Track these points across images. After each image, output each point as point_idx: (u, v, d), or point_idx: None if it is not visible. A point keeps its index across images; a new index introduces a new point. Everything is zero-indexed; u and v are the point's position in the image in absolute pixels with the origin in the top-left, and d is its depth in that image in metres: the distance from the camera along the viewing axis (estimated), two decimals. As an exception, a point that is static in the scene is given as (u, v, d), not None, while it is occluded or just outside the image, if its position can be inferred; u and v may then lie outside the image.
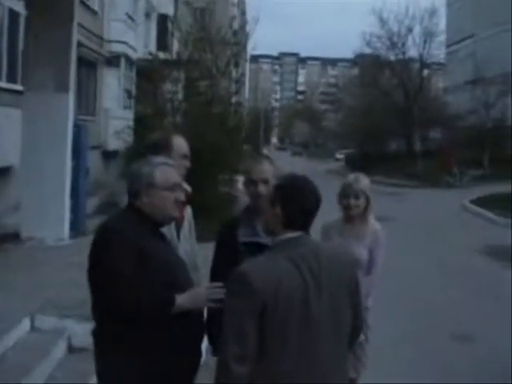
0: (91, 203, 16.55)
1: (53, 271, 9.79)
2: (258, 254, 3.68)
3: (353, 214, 5.64)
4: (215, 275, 4.52)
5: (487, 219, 24.24)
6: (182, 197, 3.96)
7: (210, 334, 4.35)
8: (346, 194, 5.64)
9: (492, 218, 24.06)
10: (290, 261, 3.23)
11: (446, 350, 9.03)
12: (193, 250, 4.98)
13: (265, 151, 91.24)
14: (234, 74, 22.60)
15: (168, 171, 3.93)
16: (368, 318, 5.52)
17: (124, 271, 3.50)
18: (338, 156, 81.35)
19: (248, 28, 23.19)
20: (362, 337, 4.99)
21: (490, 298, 12.01)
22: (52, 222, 12.48)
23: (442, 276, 14.03)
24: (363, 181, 5.69)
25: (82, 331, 7.00)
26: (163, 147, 4.75)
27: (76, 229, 13.35)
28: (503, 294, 12.07)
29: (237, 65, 22.61)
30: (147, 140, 5.16)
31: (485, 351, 8.91)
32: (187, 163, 4.82)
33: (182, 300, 3.61)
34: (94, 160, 18.67)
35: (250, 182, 4.46)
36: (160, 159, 4.08)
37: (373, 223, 5.77)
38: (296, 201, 3.36)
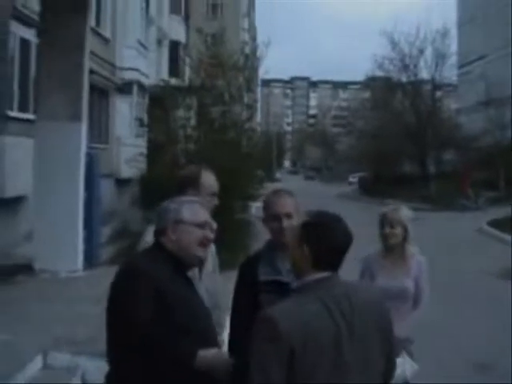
0: (104, 232, 16.38)
1: (66, 305, 9.61)
2: (279, 294, 3.68)
3: (390, 244, 5.63)
4: (236, 316, 4.29)
5: (505, 242, 23.84)
6: (211, 236, 3.74)
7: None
8: (382, 224, 5.64)
9: (509, 240, 23.66)
10: (321, 303, 3.03)
11: (467, 380, 8.74)
12: (215, 287, 4.79)
13: (277, 175, 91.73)
14: (246, 99, 22.42)
15: (197, 208, 3.74)
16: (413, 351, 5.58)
17: (142, 319, 3.28)
18: (351, 180, 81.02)
19: (259, 52, 23.06)
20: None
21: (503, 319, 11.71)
22: (65, 253, 12.34)
23: (462, 302, 13.72)
24: (400, 211, 5.72)
25: (96, 368, 6.79)
26: (191, 183, 4.62)
27: (90, 260, 13.18)
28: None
29: (250, 90, 22.41)
30: (177, 175, 5.00)
31: (507, 381, 8.63)
32: (215, 201, 4.67)
33: (203, 360, 3.35)
34: (106, 188, 18.56)
35: (273, 217, 4.23)
36: (189, 198, 3.94)
37: (415, 254, 5.78)
38: (325, 240, 3.16)
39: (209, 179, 4.70)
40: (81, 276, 12.24)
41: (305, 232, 3.21)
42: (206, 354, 3.36)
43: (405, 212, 5.73)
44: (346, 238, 3.24)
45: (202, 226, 3.65)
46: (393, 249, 5.65)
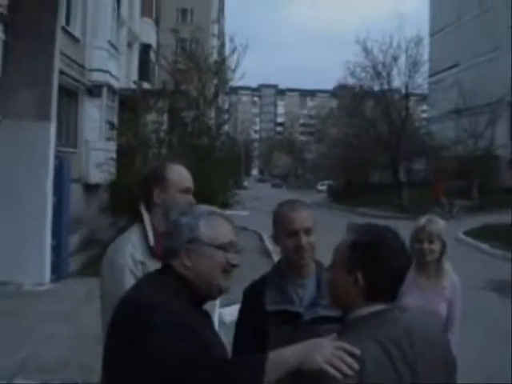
0: (71, 240, 15.59)
1: (32, 323, 8.94)
2: (290, 326, 3.30)
3: (427, 261, 5.00)
4: (238, 352, 3.50)
5: (484, 252, 23.39)
6: (236, 261, 2.82)
7: None
8: (418, 239, 4.96)
9: (489, 250, 23.25)
10: (378, 346, 2.36)
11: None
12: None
13: (245, 183, 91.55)
14: (221, 103, 22.01)
15: (219, 223, 2.83)
16: None
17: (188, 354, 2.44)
18: (320, 187, 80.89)
19: (236, 56, 22.70)
20: None
21: (501, 339, 11.09)
22: (31, 263, 11.70)
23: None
24: (438, 223, 5.08)
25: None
26: (156, 181, 3.78)
27: (58, 271, 12.44)
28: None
29: (225, 93, 22.02)
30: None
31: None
32: (190, 199, 3.80)
33: (279, 356, 2.43)
34: (74, 194, 17.77)
35: (289, 234, 3.51)
36: (208, 208, 2.95)
37: (450, 272, 5.16)
38: (384, 264, 2.48)
39: (177, 172, 3.85)
40: (48, 289, 11.48)
41: (357, 255, 2.51)
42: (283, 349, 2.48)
43: (442, 224, 5.10)
44: (408, 259, 2.60)
45: (224, 247, 2.78)
46: (428, 266, 5.03)
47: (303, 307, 3.45)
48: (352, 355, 2.29)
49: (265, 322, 3.44)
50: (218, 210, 2.94)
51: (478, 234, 27.23)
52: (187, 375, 2.40)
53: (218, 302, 8.64)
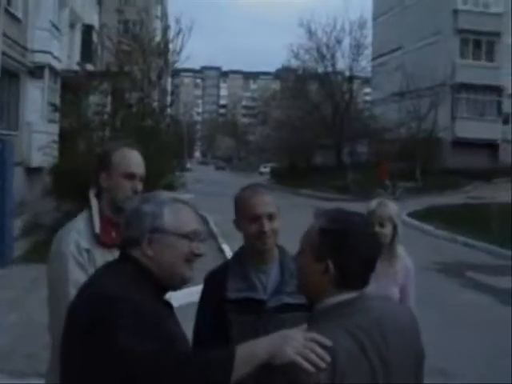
0: (14, 225, 15.26)
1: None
2: (253, 314, 3.25)
3: None
4: (198, 343, 3.37)
5: (429, 233, 23.61)
6: (200, 250, 2.69)
7: None
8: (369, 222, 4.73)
9: (433, 232, 23.49)
10: (349, 336, 2.29)
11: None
12: None
13: (188, 165, 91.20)
14: (166, 85, 21.83)
15: (184, 212, 2.69)
16: None
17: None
18: (263, 170, 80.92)
19: (182, 38, 22.58)
20: None
21: (452, 322, 11.25)
22: None
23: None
24: (389, 206, 4.97)
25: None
26: (103, 164, 3.66)
27: (2, 257, 12.06)
28: (461, 314, 11.72)
29: (172, 75, 21.90)
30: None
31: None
32: (135, 185, 3.63)
33: (248, 349, 2.33)
34: (16, 178, 17.41)
35: (251, 219, 3.41)
36: (170, 194, 2.80)
37: (403, 256, 5.05)
38: (355, 251, 2.40)
39: (123, 157, 3.67)
40: (-8, 276, 11.17)
41: (327, 242, 2.42)
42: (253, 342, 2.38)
43: (393, 207, 5.00)
44: (377, 244, 2.58)
45: (188, 237, 2.65)
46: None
47: (267, 294, 3.38)
48: (324, 346, 2.21)
49: (227, 310, 3.35)
50: (181, 197, 2.81)
51: (422, 215, 27.56)
52: (152, 370, 2.29)
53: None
